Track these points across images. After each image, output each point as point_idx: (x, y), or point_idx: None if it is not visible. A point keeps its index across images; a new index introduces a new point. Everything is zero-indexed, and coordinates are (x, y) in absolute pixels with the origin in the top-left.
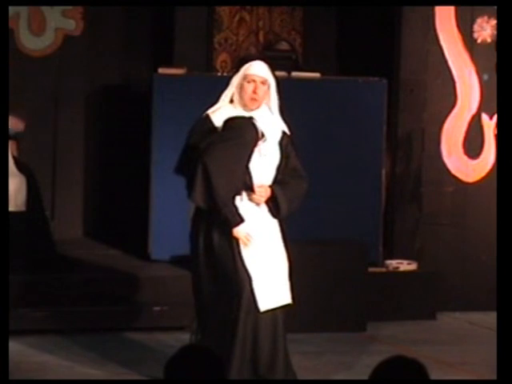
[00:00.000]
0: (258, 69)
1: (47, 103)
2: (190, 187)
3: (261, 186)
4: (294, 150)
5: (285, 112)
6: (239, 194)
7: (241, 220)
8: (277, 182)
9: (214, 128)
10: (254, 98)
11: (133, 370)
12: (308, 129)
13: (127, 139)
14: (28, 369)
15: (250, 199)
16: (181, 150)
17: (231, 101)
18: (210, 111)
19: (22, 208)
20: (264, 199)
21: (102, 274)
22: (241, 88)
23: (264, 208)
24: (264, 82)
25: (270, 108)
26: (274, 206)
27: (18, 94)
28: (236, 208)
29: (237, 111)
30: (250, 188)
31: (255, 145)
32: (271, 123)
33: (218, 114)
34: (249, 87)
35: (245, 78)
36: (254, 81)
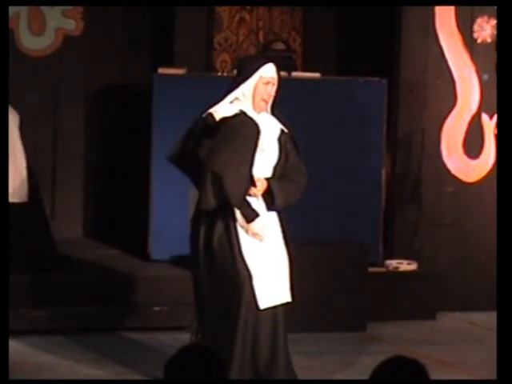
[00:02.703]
0: (273, 71)
1: (47, 103)
2: (200, 196)
3: (257, 180)
4: (294, 146)
5: (285, 112)
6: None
7: (256, 215)
8: (276, 176)
9: (216, 127)
10: (265, 99)
11: (133, 369)
12: (308, 129)
13: (127, 139)
14: (28, 369)
15: (249, 194)
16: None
17: (230, 102)
18: (212, 110)
19: (25, 199)
20: (261, 192)
21: (102, 274)
22: (254, 89)
23: (263, 205)
24: (275, 84)
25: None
26: (269, 198)
27: (17, 94)
28: (249, 203)
29: (240, 110)
30: (252, 183)
31: (257, 140)
32: (271, 121)
33: (221, 114)
34: (264, 88)
35: (261, 79)
36: (269, 82)
